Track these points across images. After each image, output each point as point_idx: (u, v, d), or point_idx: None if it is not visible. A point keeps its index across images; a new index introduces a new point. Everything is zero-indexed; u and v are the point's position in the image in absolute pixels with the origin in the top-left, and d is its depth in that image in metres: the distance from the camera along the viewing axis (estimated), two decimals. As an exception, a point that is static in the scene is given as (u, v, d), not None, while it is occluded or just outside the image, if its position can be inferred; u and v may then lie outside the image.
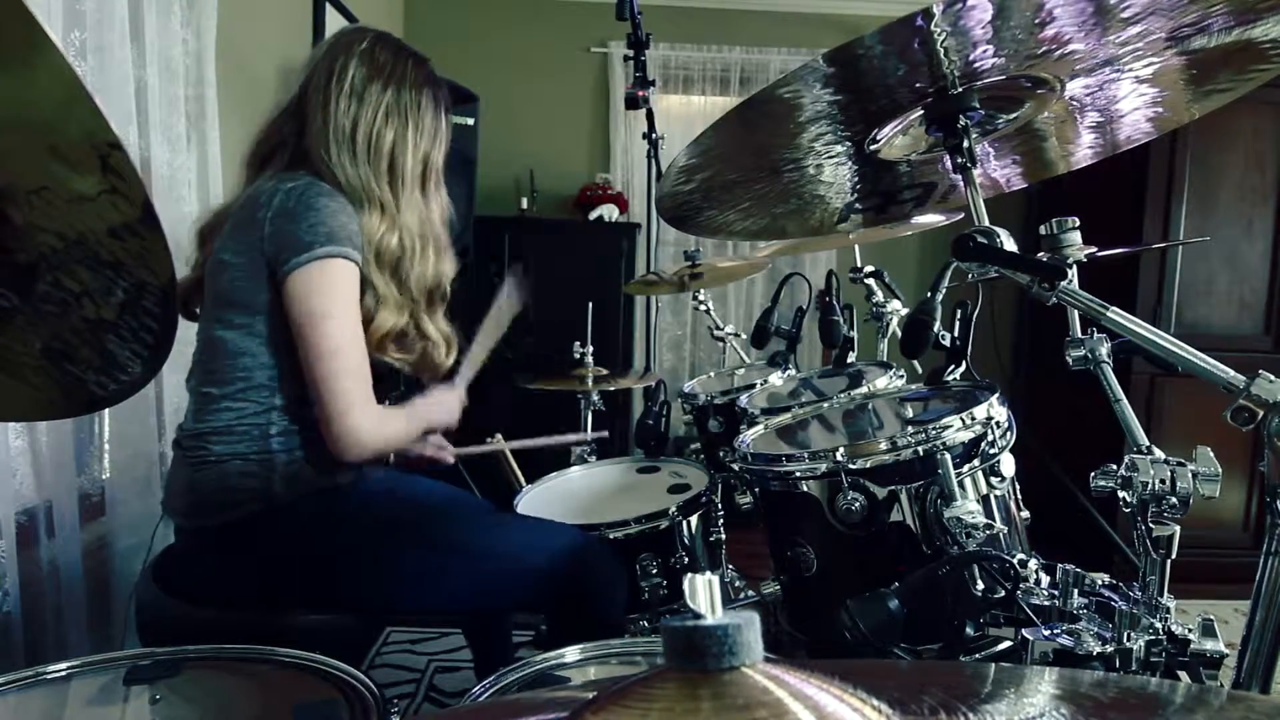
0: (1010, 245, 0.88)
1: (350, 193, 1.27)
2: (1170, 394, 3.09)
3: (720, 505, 1.58)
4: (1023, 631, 0.81)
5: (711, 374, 2.33)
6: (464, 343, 1.50)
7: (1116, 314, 0.78)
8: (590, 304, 2.32)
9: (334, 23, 3.07)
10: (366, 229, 1.27)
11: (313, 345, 1.18)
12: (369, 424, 1.20)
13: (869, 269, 1.81)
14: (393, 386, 1.26)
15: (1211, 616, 0.77)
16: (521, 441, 1.80)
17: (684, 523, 1.44)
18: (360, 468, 1.34)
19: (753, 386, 1.82)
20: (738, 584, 1.66)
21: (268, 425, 1.24)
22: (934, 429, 1.01)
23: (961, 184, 0.97)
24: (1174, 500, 0.76)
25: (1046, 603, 0.86)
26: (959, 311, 1.19)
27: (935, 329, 1.14)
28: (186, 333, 1.47)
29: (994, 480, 1.05)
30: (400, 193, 1.32)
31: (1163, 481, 0.76)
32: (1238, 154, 3.17)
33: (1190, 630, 0.77)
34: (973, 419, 1.03)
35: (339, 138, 1.27)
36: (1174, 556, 0.77)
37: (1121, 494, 0.78)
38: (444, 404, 1.44)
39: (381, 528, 1.27)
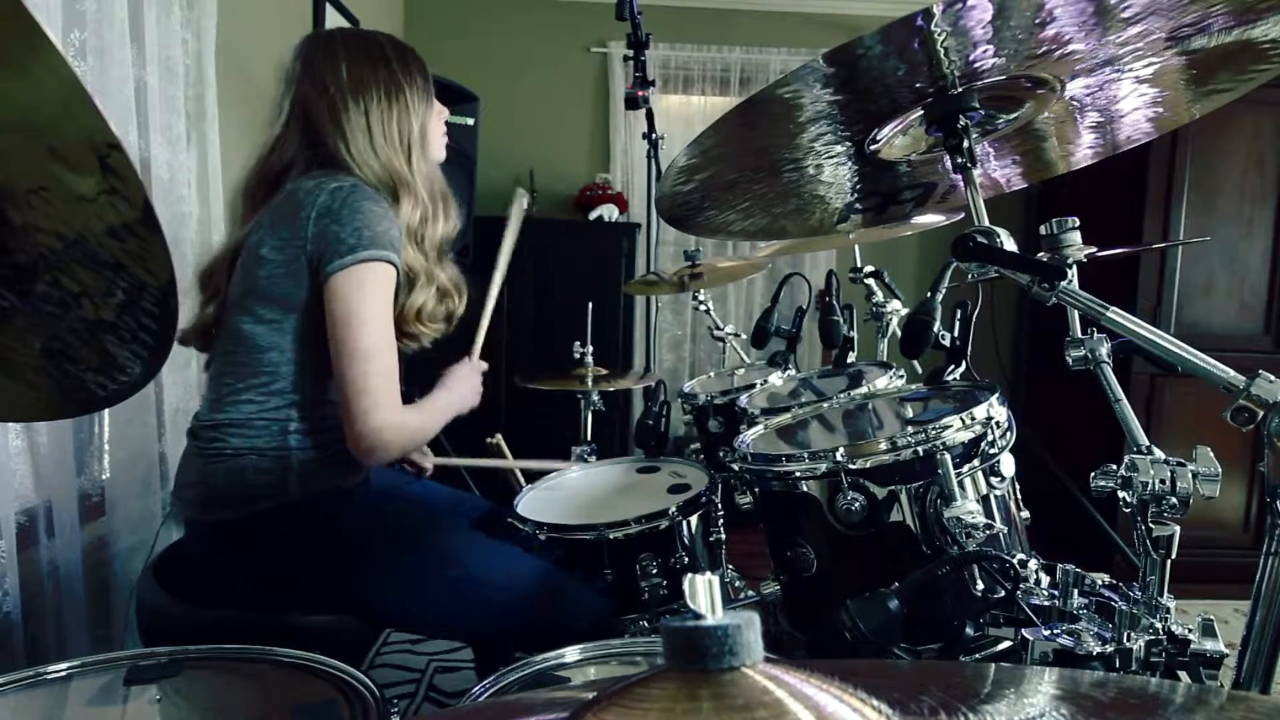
0: (1010, 245, 0.88)
1: (380, 185, 1.30)
2: (1170, 394, 3.09)
3: (720, 505, 1.58)
4: (1023, 631, 0.81)
5: (711, 374, 2.32)
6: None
7: (1116, 314, 0.78)
8: (590, 304, 2.32)
9: (334, 22, 3.07)
10: (400, 217, 1.30)
11: (346, 346, 1.19)
12: (395, 425, 1.21)
13: (869, 269, 1.81)
14: (407, 383, 1.26)
15: (1211, 616, 0.77)
16: (520, 461, 1.80)
17: (684, 523, 1.44)
18: (367, 468, 1.35)
19: (753, 386, 1.82)
20: (738, 584, 1.66)
21: (287, 421, 1.24)
22: (934, 429, 1.01)
23: (961, 184, 0.97)
24: (1174, 500, 0.76)
25: (1046, 603, 0.86)
26: (959, 311, 1.19)
27: (935, 329, 1.14)
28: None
29: (994, 480, 1.05)
30: (413, 166, 1.35)
31: (1163, 481, 0.76)
32: (1238, 154, 3.17)
33: (1190, 630, 0.77)
34: (973, 419, 1.03)
35: (357, 142, 1.30)
36: (1174, 556, 0.77)
37: (1121, 494, 0.78)
38: (464, 387, 1.45)
39: (386, 534, 1.27)
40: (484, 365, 1.55)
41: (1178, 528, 0.76)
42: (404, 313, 1.33)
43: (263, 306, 1.24)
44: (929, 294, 1.16)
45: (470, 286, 1.49)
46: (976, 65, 0.87)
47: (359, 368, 1.19)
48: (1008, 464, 1.06)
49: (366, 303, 1.20)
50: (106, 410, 1.81)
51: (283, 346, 1.24)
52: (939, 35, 0.79)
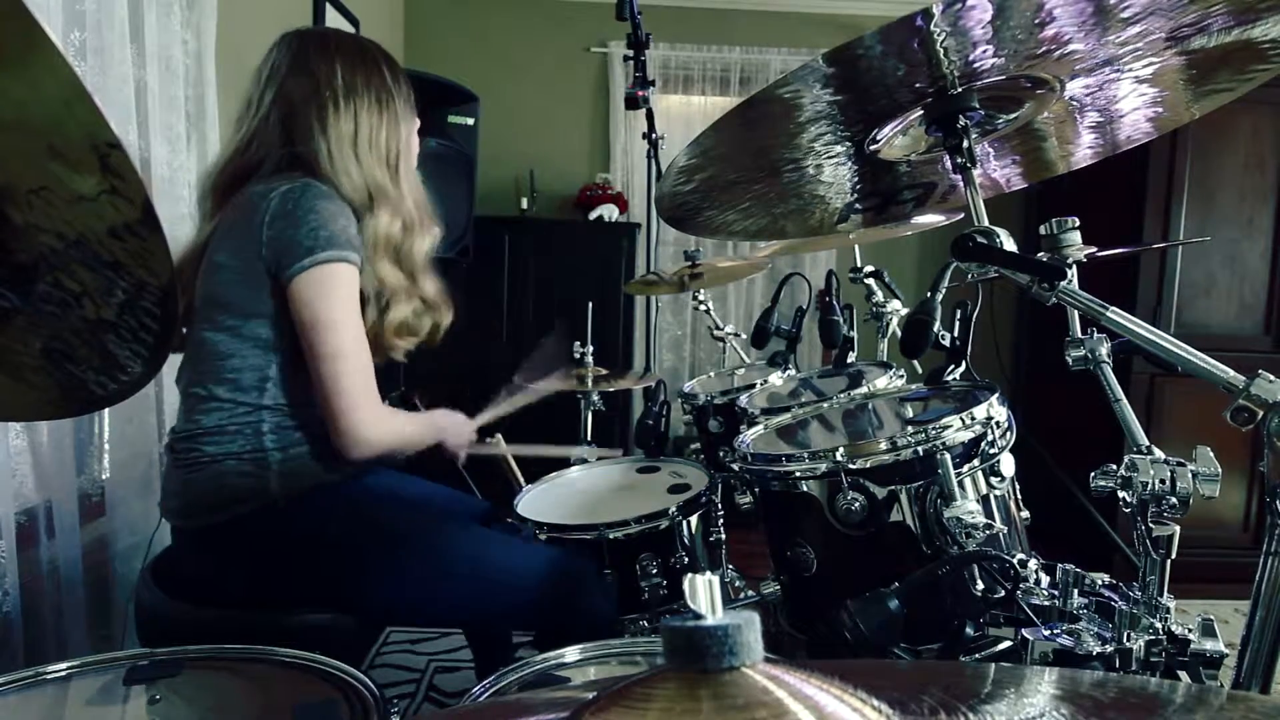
0: (1010, 245, 0.88)
1: (356, 196, 1.28)
2: (1170, 394, 3.09)
3: (720, 505, 1.58)
4: (1023, 631, 0.81)
5: (711, 374, 2.32)
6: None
7: (1116, 314, 0.78)
8: (590, 304, 2.32)
9: (334, 22, 3.07)
10: (376, 228, 1.29)
11: (318, 349, 1.20)
12: (373, 421, 1.22)
13: (869, 269, 1.81)
14: (394, 386, 1.26)
15: (1211, 616, 0.77)
16: (522, 447, 1.80)
17: (684, 523, 1.44)
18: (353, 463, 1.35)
19: (753, 386, 1.82)
20: (738, 584, 1.66)
21: (259, 423, 1.24)
22: (934, 429, 1.01)
23: (961, 184, 0.97)
24: (1174, 500, 0.76)
25: (1046, 603, 0.86)
26: (959, 311, 1.19)
27: (935, 329, 1.14)
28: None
29: (994, 480, 1.05)
30: (399, 177, 1.34)
31: (1163, 481, 0.76)
32: (1238, 154, 3.17)
33: (1190, 630, 0.77)
34: (973, 419, 1.03)
35: (341, 148, 1.28)
36: (1174, 556, 0.77)
37: (1121, 494, 0.78)
38: (458, 428, 1.45)
39: (377, 530, 1.27)
40: (475, 426, 1.54)
41: (1178, 528, 0.76)
42: (383, 328, 1.31)
43: (220, 314, 1.24)
44: (929, 294, 1.16)
45: (465, 295, 1.48)
46: (976, 65, 0.87)
47: (331, 369, 1.20)
48: (1008, 464, 1.06)
49: (331, 305, 1.20)
50: (106, 410, 1.81)
51: (244, 352, 1.24)
52: (939, 35, 0.79)
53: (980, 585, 0.96)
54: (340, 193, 1.27)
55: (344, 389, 1.20)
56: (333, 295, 1.20)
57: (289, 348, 1.24)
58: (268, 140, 1.29)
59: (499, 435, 1.88)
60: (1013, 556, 0.90)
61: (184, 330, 1.33)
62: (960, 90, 0.92)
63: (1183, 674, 0.76)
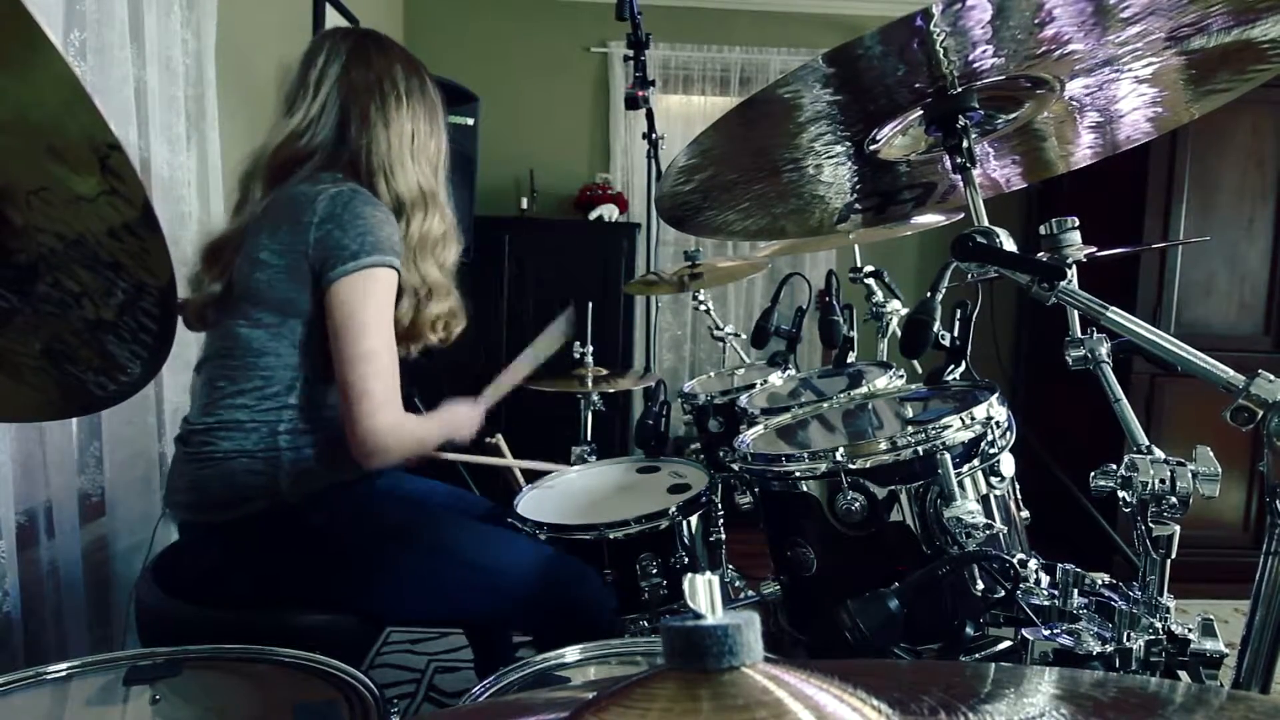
0: (1010, 245, 0.88)
1: (407, 193, 1.30)
2: (1170, 394, 3.09)
3: (720, 505, 1.58)
4: (1023, 631, 0.81)
5: (711, 374, 2.32)
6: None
7: (1116, 314, 0.78)
8: (590, 304, 2.32)
9: (334, 22, 3.07)
10: (429, 229, 1.32)
11: (347, 350, 1.20)
12: (393, 427, 1.22)
13: (869, 269, 1.81)
14: (402, 386, 1.26)
15: (1211, 616, 0.77)
16: (520, 461, 1.80)
17: (684, 523, 1.44)
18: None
19: (753, 386, 1.82)
20: (738, 584, 1.66)
21: (277, 422, 1.24)
22: (934, 429, 1.01)
23: (961, 184, 0.97)
24: (1174, 500, 0.76)
25: (1046, 603, 0.86)
26: (959, 311, 1.19)
27: (935, 329, 1.14)
28: (185, 334, 1.47)
29: (994, 480, 1.05)
30: (439, 184, 1.37)
31: (1163, 481, 0.76)
32: (1238, 154, 3.17)
33: (1190, 630, 0.77)
34: (973, 419, 1.03)
35: (402, 143, 1.31)
36: (1174, 556, 0.77)
37: (1121, 494, 0.78)
38: (465, 419, 1.45)
39: (385, 531, 1.27)
40: (483, 410, 1.54)
41: (1178, 528, 0.76)
42: (420, 319, 1.34)
43: (260, 311, 1.24)
44: (929, 294, 1.16)
45: (475, 294, 1.49)
46: (976, 65, 0.87)
47: (360, 371, 1.19)
48: (1008, 464, 1.06)
49: (368, 307, 1.21)
50: (106, 410, 1.81)
51: (280, 351, 1.24)
52: (938, 35, 0.79)
53: (980, 585, 0.96)
54: (389, 188, 1.29)
55: (369, 391, 1.19)
56: (371, 299, 1.21)
57: (320, 350, 1.24)
58: (324, 125, 1.30)
59: (499, 436, 1.89)
60: (1013, 556, 0.90)
61: (211, 314, 1.33)
62: (960, 90, 0.92)
63: (1183, 674, 0.77)
